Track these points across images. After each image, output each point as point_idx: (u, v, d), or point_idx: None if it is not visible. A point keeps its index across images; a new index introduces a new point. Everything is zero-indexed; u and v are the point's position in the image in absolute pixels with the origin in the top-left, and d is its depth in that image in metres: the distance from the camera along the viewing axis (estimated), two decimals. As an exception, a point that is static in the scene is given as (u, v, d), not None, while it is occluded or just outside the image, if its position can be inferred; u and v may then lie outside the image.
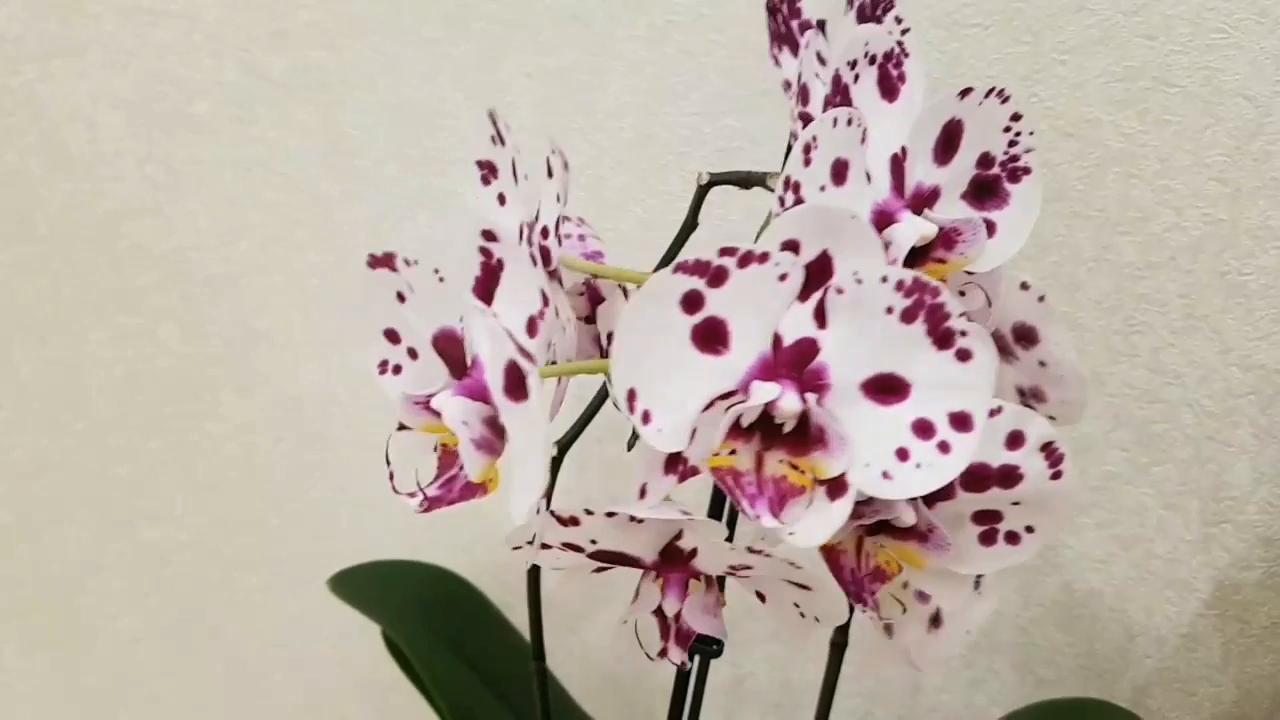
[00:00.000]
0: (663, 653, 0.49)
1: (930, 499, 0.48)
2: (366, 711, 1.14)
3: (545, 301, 0.43)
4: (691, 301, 0.42)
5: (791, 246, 0.42)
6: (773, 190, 0.52)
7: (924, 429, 0.42)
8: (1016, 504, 0.49)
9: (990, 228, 0.50)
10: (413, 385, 0.46)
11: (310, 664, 1.12)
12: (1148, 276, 0.85)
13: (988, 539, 0.50)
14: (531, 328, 0.43)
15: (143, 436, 1.06)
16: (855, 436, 0.43)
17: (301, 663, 1.13)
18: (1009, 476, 0.47)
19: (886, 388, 0.43)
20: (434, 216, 0.93)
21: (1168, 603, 0.94)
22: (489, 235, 0.43)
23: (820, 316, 0.43)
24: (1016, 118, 0.49)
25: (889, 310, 0.42)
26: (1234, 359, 0.86)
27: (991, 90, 0.48)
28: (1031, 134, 0.50)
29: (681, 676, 0.67)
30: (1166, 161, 0.82)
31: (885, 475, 0.43)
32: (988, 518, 0.49)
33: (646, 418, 0.42)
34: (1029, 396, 0.56)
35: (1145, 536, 0.92)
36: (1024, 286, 0.54)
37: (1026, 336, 0.54)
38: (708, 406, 0.43)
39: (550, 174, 0.47)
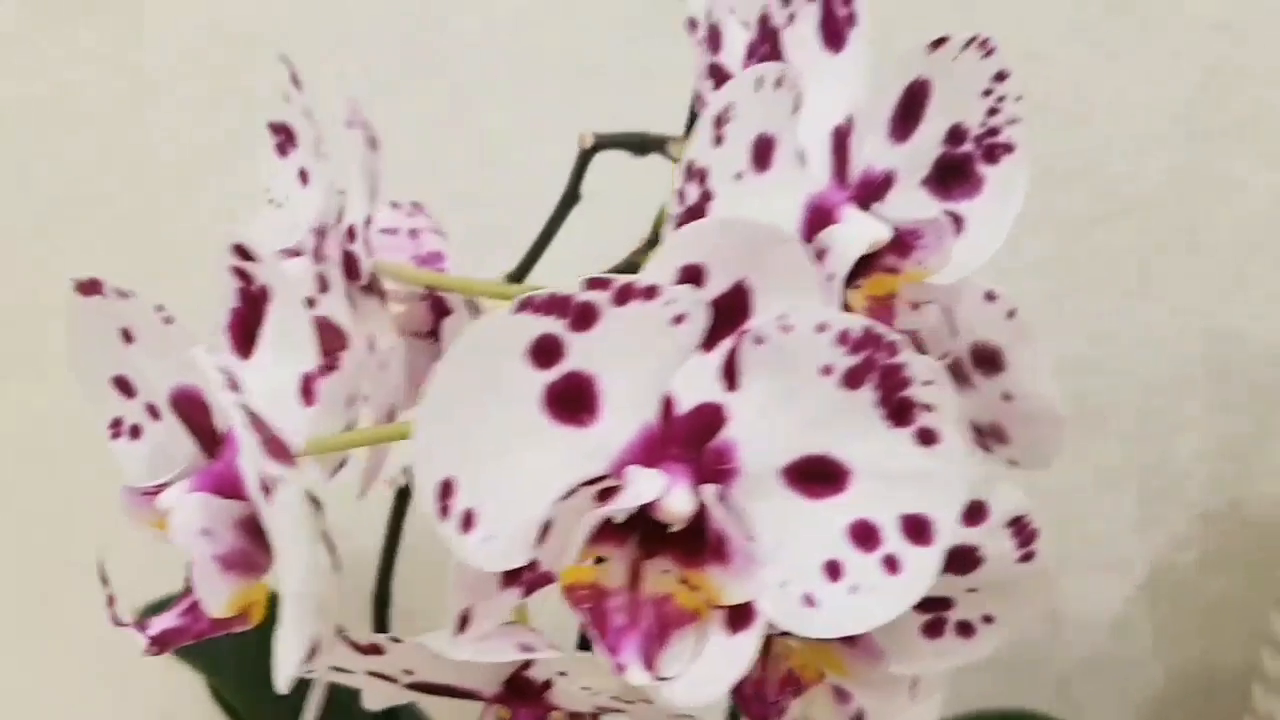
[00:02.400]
0: None
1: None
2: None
3: (336, 345, 0.30)
4: (545, 351, 0.29)
5: (693, 274, 0.30)
6: (676, 160, 0.40)
7: (865, 535, 0.31)
8: (973, 590, 0.37)
9: (958, 223, 0.38)
10: (157, 455, 0.33)
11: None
12: (1095, 232, 0.74)
13: (933, 630, 0.39)
14: (307, 391, 0.29)
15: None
16: (770, 543, 0.31)
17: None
18: (966, 559, 0.36)
19: (817, 475, 0.31)
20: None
21: (1098, 587, 0.86)
22: (242, 252, 0.29)
23: (730, 375, 0.31)
24: (1001, 77, 0.37)
25: (826, 370, 0.30)
26: (1190, 326, 0.76)
27: (972, 40, 0.36)
28: (1019, 99, 0.38)
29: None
30: (1121, 102, 0.70)
31: (808, 601, 0.31)
32: (934, 605, 0.38)
33: (469, 521, 0.29)
34: (987, 435, 0.44)
35: (1077, 517, 0.84)
36: (989, 297, 0.42)
37: (989, 361, 0.42)
38: (567, 495, 0.30)
39: (356, 151, 0.33)
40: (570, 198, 0.44)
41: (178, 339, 0.30)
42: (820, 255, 0.35)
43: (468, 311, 0.40)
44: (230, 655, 0.66)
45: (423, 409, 0.28)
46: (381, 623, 0.56)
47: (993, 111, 0.37)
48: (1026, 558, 0.36)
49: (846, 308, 0.37)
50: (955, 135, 0.37)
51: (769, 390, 0.30)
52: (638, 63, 0.74)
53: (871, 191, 0.36)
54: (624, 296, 0.29)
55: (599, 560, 0.31)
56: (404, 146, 0.47)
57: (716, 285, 0.30)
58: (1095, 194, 0.73)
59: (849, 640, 0.36)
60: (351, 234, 0.35)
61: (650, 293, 0.29)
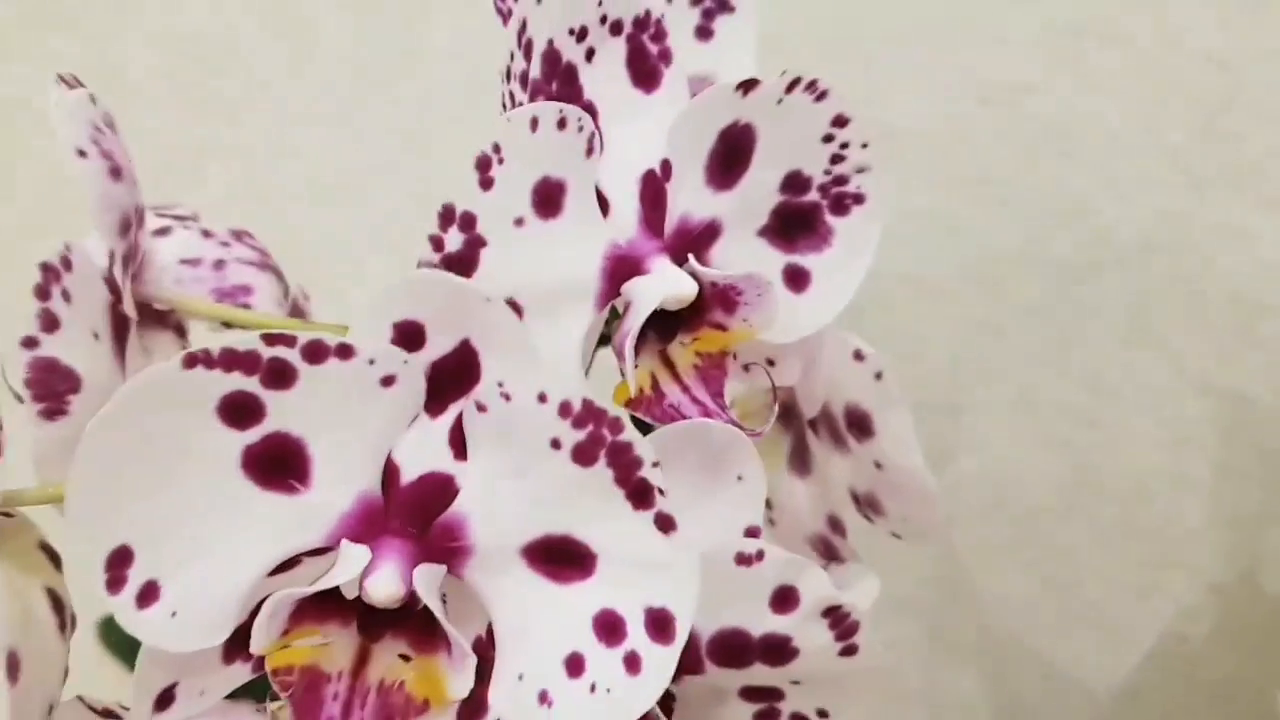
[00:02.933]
0: None
1: (675, 672, 0.33)
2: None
3: (46, 386, 0.28)
4: (240, 409, 0.27)
5: (411, 331, 0.27)
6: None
7: (612, 627, 0.28)
8: (798, 683, 0.34)
9: (802, 278, 0.35)
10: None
11: None
12: (1088, 280, 0.69)
13: None
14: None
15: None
16: (512, 629, 0.28)
17: None
18: (778, 650, 0.33)
19: (560, 556, 0.28)
20: (225, 171, 0.77)
21: (1101, 652, 0.81)
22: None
23: (458, 443, 0.28)
24: (841, 122, 0.34)
25: (555, 444, 0.27)
26: (1189, 381, 0.71)
27: (796, 82, 0.33)
28: (865, 146, 0.35)
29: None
30: (1113, 139, 0.66)
31: (544, 698, 0.28)
32: (763, 695, 0.34)
33: (150, 594, 0.27)
34: (864, 504, 0.41)
35: (1076, 579, 0.79)
36: (858, 356, 0.38)
37: (859, 425, 0.39)
38: (280, 569, 0.28)
39: (93, 184, 0.31)
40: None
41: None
42: (625, 310, 0.33)
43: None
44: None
45: (79, 470, 0.25)
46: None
47: (836, 159, 0.34)
48: (848, 651, 0.33)
49: (671, 364, 0.34)
50: (795, 183, 0.35)
51: (499, 462, 0.28)
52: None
53: (689, 241, 0.33)
54: (316, 354, 0.26)
55: (321, 640, 0.28)
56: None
57: (439, 345, 0.28)
58: (1087, 238, 0.69)
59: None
60: (112, 257, 0.33)
61: (345, 351, 0.26)
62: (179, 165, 0.78)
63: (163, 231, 0.39)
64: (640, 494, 0.27)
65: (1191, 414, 0.72)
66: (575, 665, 0.28)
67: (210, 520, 0.27)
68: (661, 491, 0.27)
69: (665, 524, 0.27)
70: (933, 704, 0.85)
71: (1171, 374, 0.71)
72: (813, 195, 0.35)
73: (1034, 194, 0.68)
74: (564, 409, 0.27)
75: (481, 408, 0.27)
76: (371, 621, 0.28)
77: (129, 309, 0.33)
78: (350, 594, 0.27)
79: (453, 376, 0.28)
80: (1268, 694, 0.82)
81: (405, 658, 0.28)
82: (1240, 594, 0.80)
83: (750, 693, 0.34)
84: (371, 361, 0.27)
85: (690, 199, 0.33)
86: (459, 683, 0.27)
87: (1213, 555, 0.76)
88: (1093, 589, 0.79)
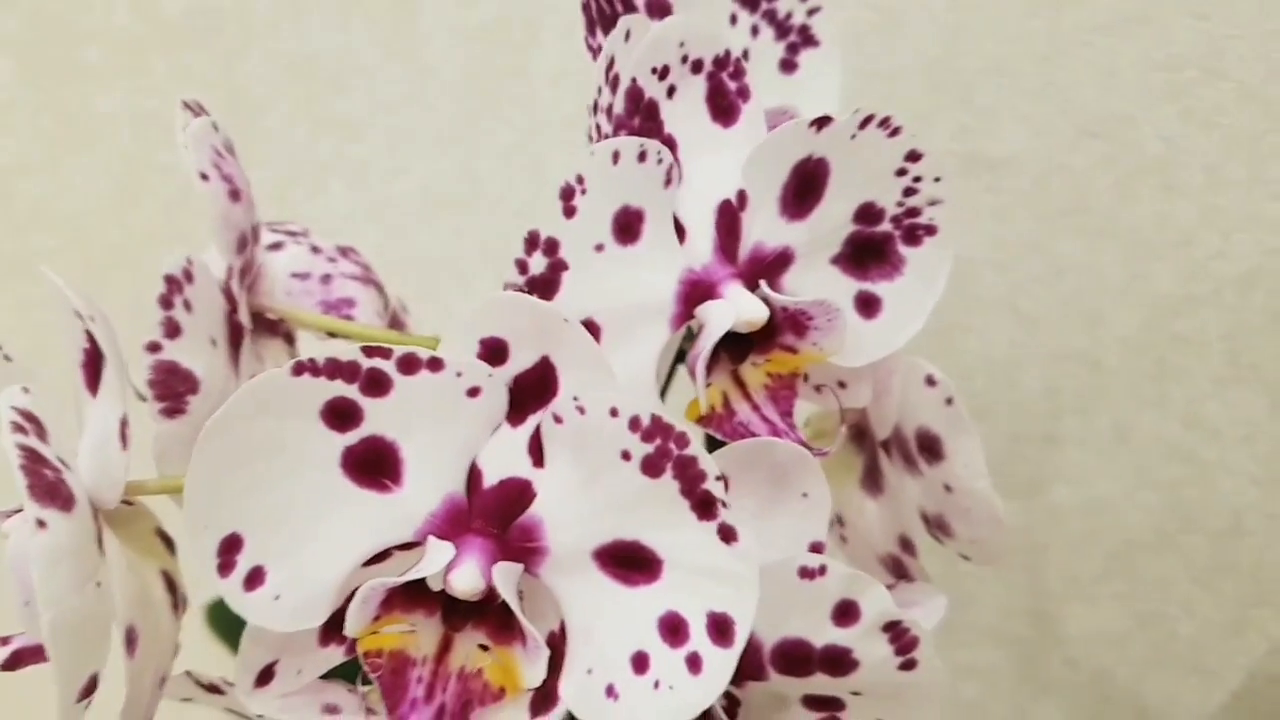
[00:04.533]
0: None
1: (735, 675, 0.35)
2: None
3: (167, 386, 0.31)
4: (341, 413, 0.29)
5: (496, 348, 0.30)
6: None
7: (675, 628, 0.30)
8: (859, 694, 0.35)
9: (874, 305, 0.37)
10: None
11: None
12: (1186, 312, 0.69)
13: None
14: (123, 435, 0.30)
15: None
16: (582, 627, 0.30)
17: None
18: (838, 661, 0.34)
19: (630, 561, 0.30)
20: (348, 187, 0.81)
21: (1191, 689, 0.80)
22: (85, 315, 0.30)
23: (537, 452, 0.30)
24: (914, 157, 0.35)
25: (625, 455, 0.29)
26: (1283, 417, 0.70)
27: (869, 119, 0.34)
28: (938, 180, 0.36)
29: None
30: (1214, 173, 0.66)
31: (609, 691, 0.30)
32: (824, 704, 0.36)
33: (257, 578, 0.30)
34: (934, 526, 0.42)
35: (1169, 614, 0.78)
36: (930, 381, 0.39)
37: (930, 449, 0.40)
38: (373, 561, 0.30)
39: (214, 205, 0.34)
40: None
41: (13, 377, 0.31)
42: (698, 331, 0.34)
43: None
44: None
45: (197, 464, 0.28)
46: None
47: (909, 191, 0.36)
48: (908, 665, 0.34)
49: (742, 384, 0.36)
50: (868, 214, 0.36)
51: (573, 470, 0.30)
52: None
53: (762, 268, 0.35)
54: (410, 366, 0.29)
55: (409, 628, 0.30)
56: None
57: (521, 360, 0.30)
58: (1186, 272, 0.68)
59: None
60: (230, 273, 0.36)
61: (435, 365, 0.29)
62: (301, 179, 0.82)
63: (276, 246, 0.42)
64: (704, 505, 0.29)
65: (1289, 451, 0.71)
66: (640, 663, 0.30)
67: (312, 514, 0.30)
68: (725, 504, 0.29)
69: (728, 535, 0.29)
70: (1017, 733, 0.85)
71: (1269, 409, 0.70)
72: (885, 226, 0.36)
73: (1133, 226, 0.68)
74: (634, 423, 0.29)
75: (558, 419, 0.29)
76: (454, 613, 0.30)
77: (244, 318, 0.36)
78: (435, 587, 0.30)
79: (533, 390, 0.30)
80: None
81: (484, 648, 0.30)
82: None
83: (812, 701, 0.36)
84: (459, 374, 0.29)
85: (764, 228, 0.35)
86: (533, 672, 0.29)
87: (1306, 594, 0.74)
88: (1184, 625, 0.78)
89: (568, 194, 0.32)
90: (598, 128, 0.35)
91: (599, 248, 0.33)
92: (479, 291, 0.78)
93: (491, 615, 0.30)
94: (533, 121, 0.77)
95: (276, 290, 0.40)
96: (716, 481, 0.28)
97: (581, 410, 0.29)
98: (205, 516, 0.29)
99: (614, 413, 0.29)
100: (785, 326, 0.35)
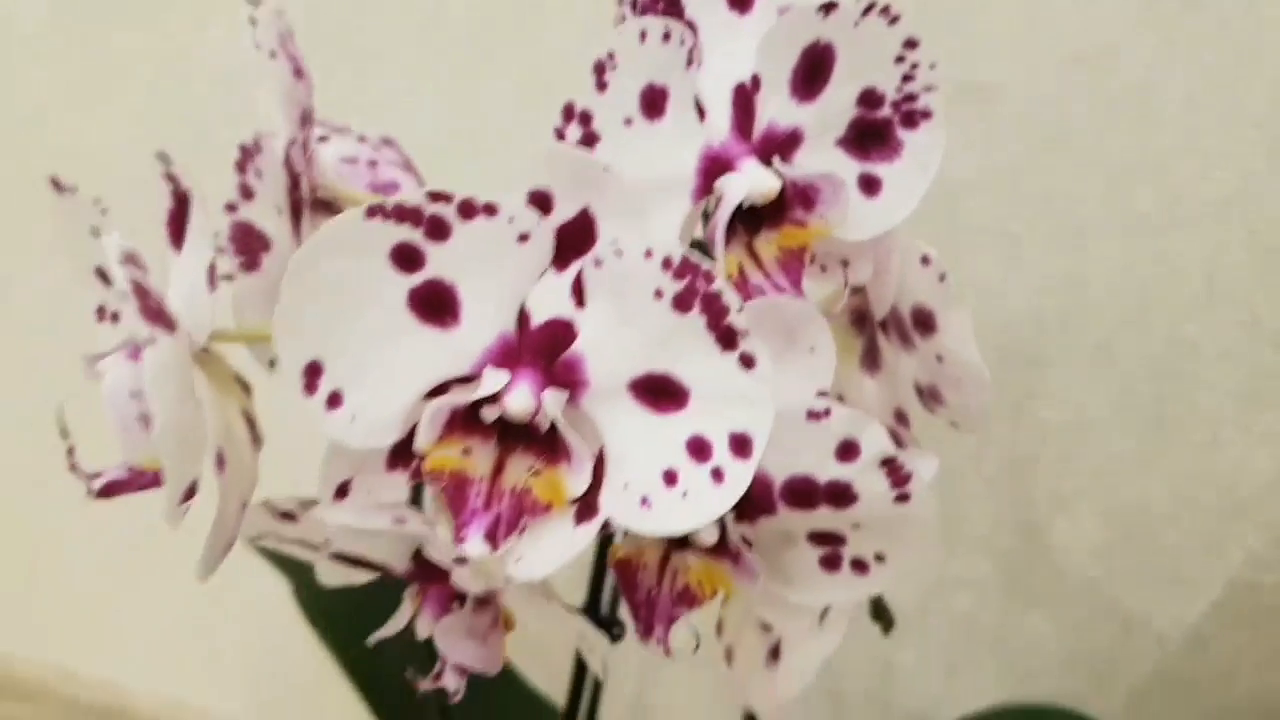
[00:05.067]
0: (436, 677, 0.41)
1: (749, 512, 0.39)
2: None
3: (259, 248, 0.35)
4: (406, 256, 0.33)
5: (541, 199, 0.34)
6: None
7: (701, 448, 0.34)
8: (858, 527, 0.39)
9: (874, 184, 0.41)
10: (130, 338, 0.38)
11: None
12: (1167, 236, 0.73)
13: (830, 564, 0.41)
14: (210, 279, 0.35)
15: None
16: (618, 449, 0.34)
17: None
18: (840, 495, 0.38)
19: (660, 391, 0.34)
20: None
21: (1173, 600, 0.83)
22: (166, 160, 0.34)
23: (579, 294, 0.34)
24: (911, 44, 0.39)
25: (658, 294, 0.33)
26: (1264, 335, 0.74)
27: (871, 7, 0.38)
28: (933, 67, 0.39)
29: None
30: (1194, 102, 0.69)
31: (644, 502, 0.34)
32: (828, 540, 0.40)
33: (335, 400, 0.34)
34: (927, 396, 0.46)
35: (1150, 527, 0.81)
36: (924, 261, 0.43)
37: (924, 323, 0.44)
38: (434, 393, 0.34)
39: (280, 81, 0.38)
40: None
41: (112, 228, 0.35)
42: (716, 203, 0.38)
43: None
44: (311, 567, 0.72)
45: (283, 300, 0.32)
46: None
47: (907, 78, 0.39)
48: (902, 498, 0.38)
49: (756, 256, 0.40)
50: (869, 99, 0.40)
51: (611, 309, 0.34)
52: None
53: (774, 146, 0.39)
54: (468, 211, 0.33)
55: (466, 452, 0.34)
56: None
57: (564, 211, 0.34)
58: (1166, 198, 0.72)
59: (733, 559, 0.39)
60: (293, 144, 0.40)
61: (490, 210, 0.33)
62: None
63: (324, 139, 0.46)
64: (727, 338, 0.33)
65: (1266, 367, 0.74)
66: (670, 478, 0.34)
67: (383, 346, 0.34)
68: (745, 333, 0.33)
69: (748, 362, 0.33)
70: (1003, 643, 0.88)
71: (1246, 329, 0.74)
72: (886, 111, 0.40)
73: (1115, 153, 0.72)
74: (666, 263, 0.33)
75: (598, 263, 0.33)
76: (507, 438, 0.34)
77: (305, 191, 0.40)
78: (490, 418, 0.34)
79: (575, 238, 0.34)
80: (1336, 644, 0.84)
81: (535, 473, 0.34)
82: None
83: (816, 537, 0.40)
84: (511, 219, 0.33)
85: (777, 109, 0.39)
86: (576, 484, 0.34)
87: (1284, 507, 0.78)
88: (1166, 538, 0.82)
89: (599, 69, 0.36)
90: (623, 18, 0.39)
91: (628, 121, 0.36)
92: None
93: (538, 441, 0.34)
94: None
95: (328, 173, 0.44)
96: (739, 313, 0.32)
97: (619, 253, 0.33)
98: (291, 346, 0.33)
99: (648, 254, 0.33)
100: (795, 201, 0.38)
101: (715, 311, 0.33)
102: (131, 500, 0.37)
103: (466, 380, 0.34)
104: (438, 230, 0.33)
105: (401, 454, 0.35)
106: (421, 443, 0.34)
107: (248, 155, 0.36)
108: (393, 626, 0.40)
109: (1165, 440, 0.78)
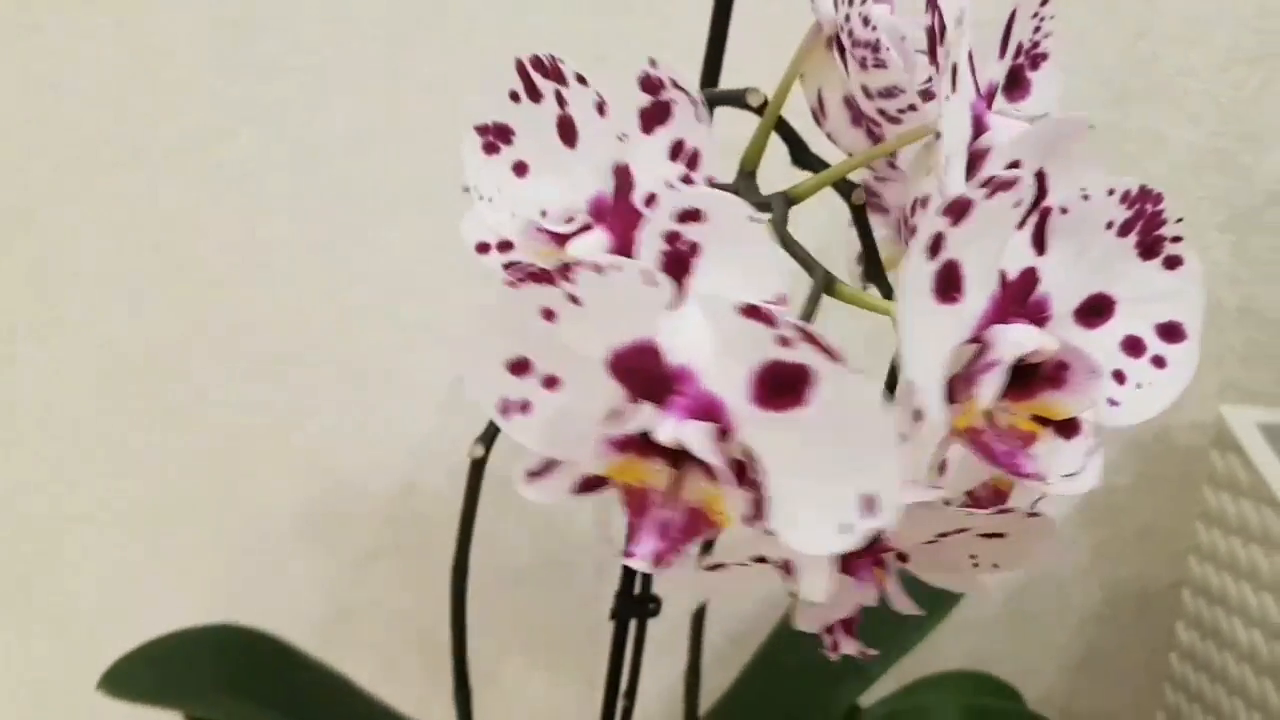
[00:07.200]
0: (834, 646, 0.44)
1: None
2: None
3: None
4: (933, 246, 0.34)
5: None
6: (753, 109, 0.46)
7: (1133, 346, 0.40)
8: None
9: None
10: (546, 426, 0.37)
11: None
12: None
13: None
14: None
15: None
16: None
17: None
18: None
19: (1095, 309, 0.40)
20: (259, 132, 0.82)
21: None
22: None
23: (1039, 242, 0.39)
24: (1045, 1, 0.45)
25: (1109, 225, 0.39)
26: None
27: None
28: (1053, 18, 0.46)
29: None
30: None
31: (1112, 403, 0.40)
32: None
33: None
34: None
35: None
36: None
37: None
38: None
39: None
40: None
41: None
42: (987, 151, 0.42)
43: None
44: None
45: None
46: (460, 592, 0.62)
47: (1037, 29, 0.46)
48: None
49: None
50: (1017, 50, 0.46)
51: (1068, 249, 0.39)
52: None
53: (991, 98, 0.44)
54: (996, 189, 0.34)
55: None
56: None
57: (1028, 175, 0.38)
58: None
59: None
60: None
61: (1010, 185, 0.34)
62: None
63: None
64: (1151, 248, 0.39)
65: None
66: (1120, 377, 0.40)
67: (926, 333, 0.36)
68: (1175, 239, 0.39)
69: (1171, 263, 0.39)
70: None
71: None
72: (1021, 59, 0.46)
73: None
74: (1125, 197, 0.39)
75: (1064, 210, 0.38)
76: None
77: None
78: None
79: (1036, 196, 0.38)
80: (1181, 533, 0.99)
81: (1008, 411, 0.38)
82: (1156, 449, 0.98)
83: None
84: (1017, 190, 0.35)
85: (989, 69, 0.43)
86: (1080, 401, 0.37)
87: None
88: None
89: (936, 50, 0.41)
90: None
91: (948, 97, 0.40)
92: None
93: (1011, 384, 0.37)
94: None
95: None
96: (1175, 224, 0.39)
97: (1087, 197, 0.38)
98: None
99: (1111, 191, 0.38)
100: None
101: (1150, 227, 0.39)
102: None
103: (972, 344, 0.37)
104: (959, 213, 0.34)
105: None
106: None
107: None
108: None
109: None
